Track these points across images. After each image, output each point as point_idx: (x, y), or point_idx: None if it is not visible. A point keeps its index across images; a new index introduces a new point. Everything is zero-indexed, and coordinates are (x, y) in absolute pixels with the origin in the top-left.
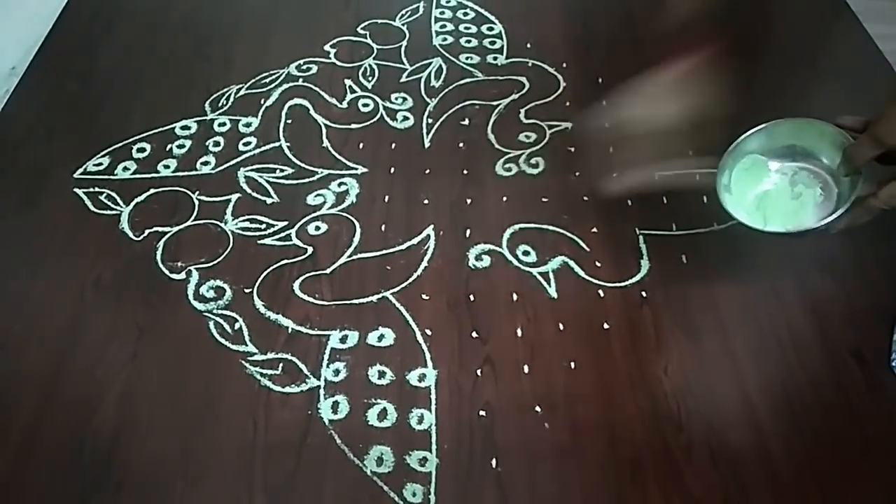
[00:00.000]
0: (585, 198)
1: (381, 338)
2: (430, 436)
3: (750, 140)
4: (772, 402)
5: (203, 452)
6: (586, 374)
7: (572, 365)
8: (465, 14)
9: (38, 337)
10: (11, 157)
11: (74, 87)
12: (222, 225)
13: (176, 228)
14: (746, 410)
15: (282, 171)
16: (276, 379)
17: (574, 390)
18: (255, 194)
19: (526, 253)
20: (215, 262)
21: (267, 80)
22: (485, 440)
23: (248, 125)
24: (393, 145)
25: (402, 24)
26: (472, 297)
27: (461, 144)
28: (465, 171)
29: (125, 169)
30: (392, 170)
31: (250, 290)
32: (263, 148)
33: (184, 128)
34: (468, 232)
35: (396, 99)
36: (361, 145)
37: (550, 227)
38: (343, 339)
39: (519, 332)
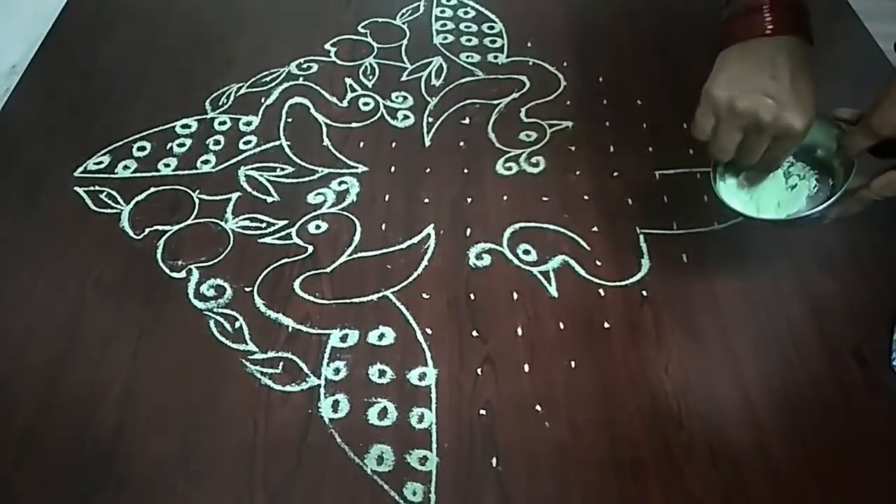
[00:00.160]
0: (586, 197)
1: (381, 337)
2: (431, 435)
3: None
4: (772, 400)
5: (203, 451)
6: (587, 374)
7: (573, 364)
8: (466, 13)
9: (39, 336)
10: (11, 156)
11: (75, 85)
12: (223, 224)
13: (176, 227)
14: (747, 409)
15: (282, 169)
16: (276, 378)
17: (574, 389)
18: (255, 193)
19: (526, 252)
20: (216, 260)
21: (267, 79)
22: (485, 439)
23: (248, 124)
24: (393, 144)
25: (403, 23)
26: (472, 296)
27: (462, 143)
28: (466, 170)
29: (125, 167)
30: (392, 169)
31: (251, 288)
32: (264, 147)
33: (184, 126)
34: (468, 231)
35: (397, 98)
36: (362, 144)
37: (551, 226)
38: (343, 338)
39: (519, 331)
